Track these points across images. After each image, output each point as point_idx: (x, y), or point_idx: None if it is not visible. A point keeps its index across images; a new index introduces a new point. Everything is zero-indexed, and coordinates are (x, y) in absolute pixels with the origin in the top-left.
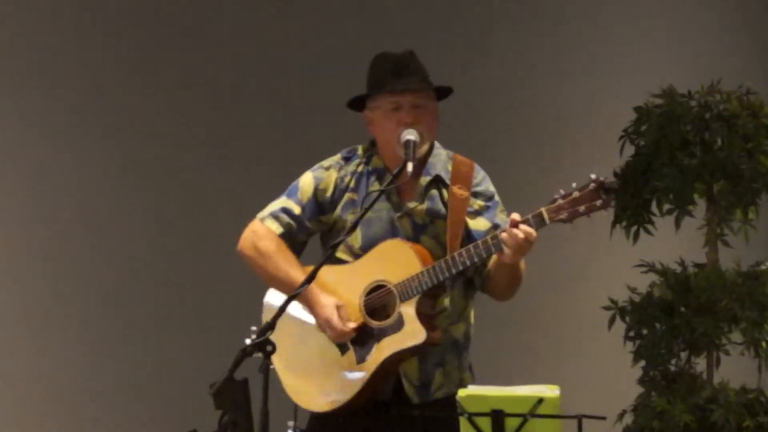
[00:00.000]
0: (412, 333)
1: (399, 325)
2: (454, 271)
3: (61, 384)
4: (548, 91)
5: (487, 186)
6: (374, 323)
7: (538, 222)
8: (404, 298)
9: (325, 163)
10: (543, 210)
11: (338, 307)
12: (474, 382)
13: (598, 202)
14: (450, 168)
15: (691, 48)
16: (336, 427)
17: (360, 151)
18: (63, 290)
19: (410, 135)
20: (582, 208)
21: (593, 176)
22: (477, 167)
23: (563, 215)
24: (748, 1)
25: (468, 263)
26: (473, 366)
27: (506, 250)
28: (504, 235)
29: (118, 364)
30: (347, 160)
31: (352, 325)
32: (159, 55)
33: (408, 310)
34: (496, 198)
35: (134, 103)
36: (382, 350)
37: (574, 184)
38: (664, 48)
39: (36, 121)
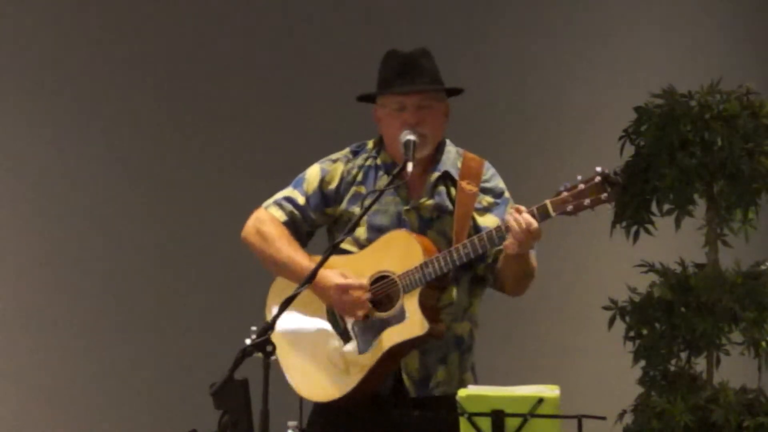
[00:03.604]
0: (414, 324)
1: (401, 316)
2: (457, 261)
3: (60, 384)
4: (549, 91)
5: (497, 183)
6: (377, 314)
7: (543, 214)
8: (407, 289)
9: (334, 156)
10: (548, 202)
11: (344, 275)
12: (476, 383)
13: (603, 196)
14: (460, 165)
15: (691, 48)
16: (336, 423)
17: (369, 146)
18: (62, 290)
19: (410, 135)
20: (587, 201)
21: (599, 169)
22: (487, 164)
23: (568, 208)
24: (748, 1)
25: (471, 254)
26: (476, 367)
27: (509, 239)
28: (509, 219)
29: (118, 364)
30: (356, 153)
31: (365, 281)
32: (159, 54)
33: (411, 302)
34: (507, 195)
35: (134, 101)
36: (384, 341)
37: (579, 177)
38: (664, 48)
39: (35, 120)
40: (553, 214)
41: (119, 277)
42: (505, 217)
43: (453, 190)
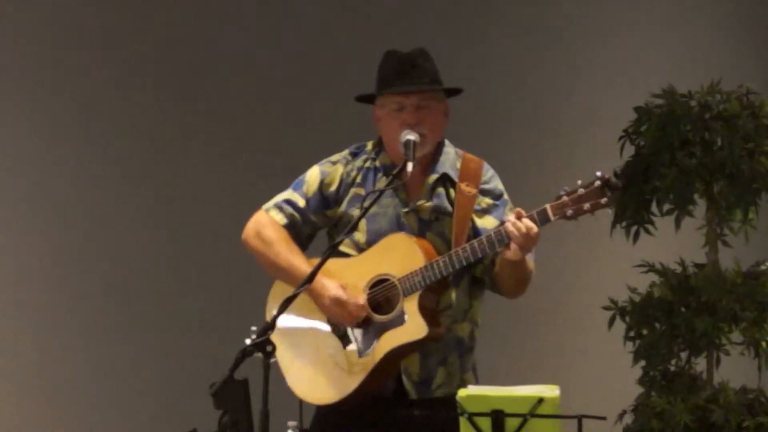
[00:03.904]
0: (414, 328)
1: (401, 319)
2: (457, 265)
3: (61, 384)
4: (549, 91)
5: (496, 184)
6: (377, 317)
7: (543, 218)
8: (407, 293)
9: (333, 157)
10: (548, 207)
11: (343, 288)
12: (477, 383)
13: (603, 200)
14: (459, 166)
15: (691, 48)
16: (337, 425)
17: (369, 147)
18: (63, 290)
19: (410, 135)
20: (587, 206)
21: (599, 174)
22: (486, 165)
23: (568, 212)
24: (748, 1)
25: (471, 258)
26: (476, 367)
27: (510, 245)
28: (508, 225)
29: (118, 364)
30: (355, 155)
31: (362, 300)
32: (160, 54)
33: (411, 305)
34: (505, 197)
35: (135, 101)
36: (384, 344)
37: (579, 182)
38: (664, 48)
39: (36, 120)
40: (553, 218)
41: (119, 277)
42: (505, 222)
43: (452, 192)
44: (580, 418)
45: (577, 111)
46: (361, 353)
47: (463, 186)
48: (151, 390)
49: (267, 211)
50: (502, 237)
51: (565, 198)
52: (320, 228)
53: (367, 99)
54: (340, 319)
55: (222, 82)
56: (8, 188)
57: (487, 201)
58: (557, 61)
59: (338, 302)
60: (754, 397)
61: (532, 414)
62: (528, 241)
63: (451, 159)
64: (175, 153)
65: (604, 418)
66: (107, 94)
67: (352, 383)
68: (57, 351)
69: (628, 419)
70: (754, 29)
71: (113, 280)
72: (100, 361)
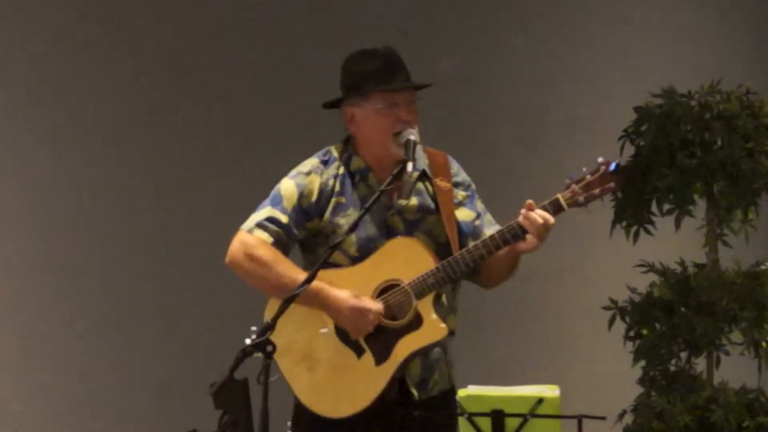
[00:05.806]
0: (433, 329)
1: (417, 322)
2: (471, 264)
3: (61, 384)
4: (548, 91)
5: (464, 176)
6: (391, 323)
7: (555, 208)
8: (420, 295)
9: (304, 168)
10: (559, 196)
11: (356, 296)
12: (455, 376)
13: (612, 185)
14: (427, 161)
15: (691, 48)
16: (335, 427)
17: (335, 153)
18: (62, 291)
19: (411, 135)
20: (597, 191)
21: (600, 159)
22: (450, 157)
23: (580, 199)
24: (748, 2)
25: (485, 256)
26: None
27: (528, 237)
28: (522, 219)
29: (118, 365)
30: (325, 163)
31: (379, 304)
32: (156, 57)
33: (425, 307)
34: (473, 186)
35: (132, 104)
36: (402, 349)
37: (584, 169)
38: (664, 48)
39: (36, 120)
40: (566, 207)
41: (119, 278)
42: (520, 219)
43: (430, 188)
44: (580, 418)
45: (577, 111)
46: (378, 361)
47: (438, 182)
48: (151, 390)
49: (250, 231)
50: (516, 231)
51: (573, 186)
52: (300, 240)
53: (333, 104)
54: (358, 329)
55: (223, 83)
56: (8, 188)
57: (461, 194)
58: (557, 61)
59: (359, 311)
60: (754, 397)
61: (532, 414)
62: (545, 232)
63: (421, 155)
64: (177, 153)
65: (604, 418)
66: (107, 95)
67: (372, 392)
68: (57, 351)
69: (628, 419)
70: (754, 29)
71: (113, 281)
72: (100, 361)
